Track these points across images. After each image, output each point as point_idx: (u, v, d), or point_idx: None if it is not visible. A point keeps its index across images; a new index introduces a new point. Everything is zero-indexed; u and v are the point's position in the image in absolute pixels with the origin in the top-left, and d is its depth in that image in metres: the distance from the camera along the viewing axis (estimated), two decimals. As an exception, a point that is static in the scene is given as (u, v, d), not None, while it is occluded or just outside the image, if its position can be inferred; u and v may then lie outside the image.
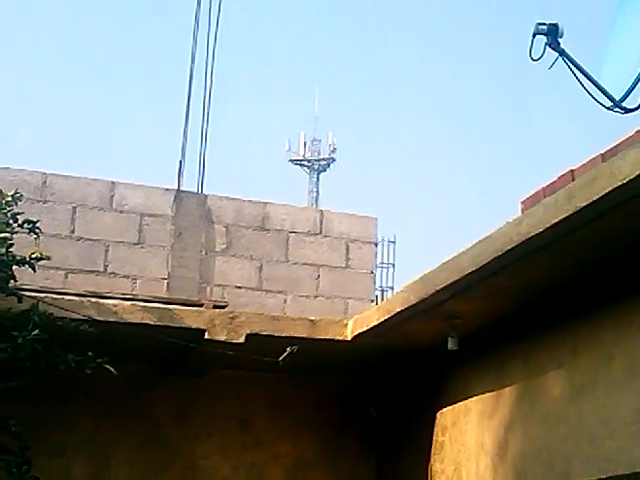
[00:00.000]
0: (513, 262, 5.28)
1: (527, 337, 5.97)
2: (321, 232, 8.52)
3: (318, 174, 40.94)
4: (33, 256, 6.14)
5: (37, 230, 6.22)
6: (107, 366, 6.04)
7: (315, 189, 40.45)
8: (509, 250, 5.17)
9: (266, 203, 8.47)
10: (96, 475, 7.21)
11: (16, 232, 6.09)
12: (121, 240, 7.89)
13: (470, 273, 5.50)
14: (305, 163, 41.25)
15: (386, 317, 6.45)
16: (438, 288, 5.81)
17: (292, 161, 41.48)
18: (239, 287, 8.19)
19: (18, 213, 6.14)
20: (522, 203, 6.38)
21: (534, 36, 5.78)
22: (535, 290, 5.65)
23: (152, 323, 6.60)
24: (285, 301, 8.30)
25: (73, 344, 6.04)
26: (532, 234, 4.95)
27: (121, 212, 7.94)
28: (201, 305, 7.42)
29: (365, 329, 6.73)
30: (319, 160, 41.09)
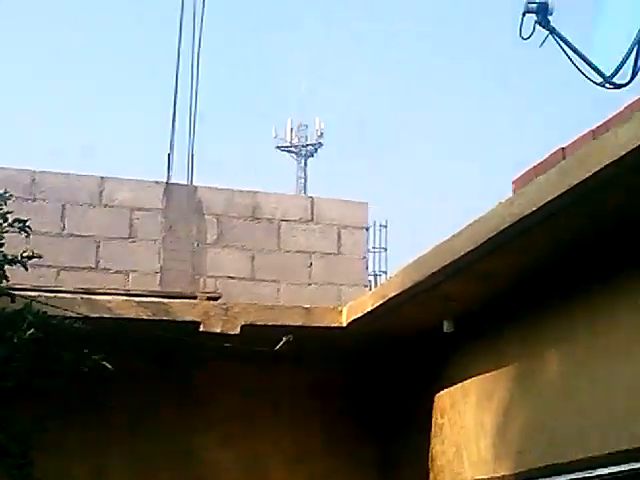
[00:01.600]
0: (507, 242, 5.26)
1: (523, 316, 5.97)
2: (312, 219, 8.50)
3: (306, 160, 40.85)
4: (24, 255, 6.11)
5: (27, 229, 6.18)
6: (104, 362, 6.02)
7: (303, 175, 40.37)
8: (502, 230, 5.16)
9: (256, 192, 8.45)
10: (96, 471, 7.20)
11: (6, 231, 6.05)
12: (112, 235, 7.86)
13: (464, 255, 5.49)
14: (292, 149, 41.15)
15: (381, 302, 6.44)
16: (433, 271, 5.80)
17: (279, 147, 41.37)
18: (232, 277, 8.18)
19: (7, 212, 6.10)
20: (513, 183, 6.37)
21: (524, 15, 5.76)
22: (530, 269, 5.64)
23: (147, 318, 6.59)
24: (278, 290, 8.29)
25: (69, 342, 6.02)
26: (525, 213, 4.94)
27: (111, 207, 7.91)
28: (195, 297, 7.42)
29: (360, 315, 6.72)
30: (306, 146, 40.98)
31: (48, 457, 6.75)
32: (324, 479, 7.72)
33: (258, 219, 8.35)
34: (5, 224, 6.08)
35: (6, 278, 6.11)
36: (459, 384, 6.71)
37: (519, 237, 5.18)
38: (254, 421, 7.67)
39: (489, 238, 5.27)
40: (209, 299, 7.38)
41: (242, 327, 6.76)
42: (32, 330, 5.78)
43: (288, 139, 41.03)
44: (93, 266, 7.73)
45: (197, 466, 7.46)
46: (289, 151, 41.15)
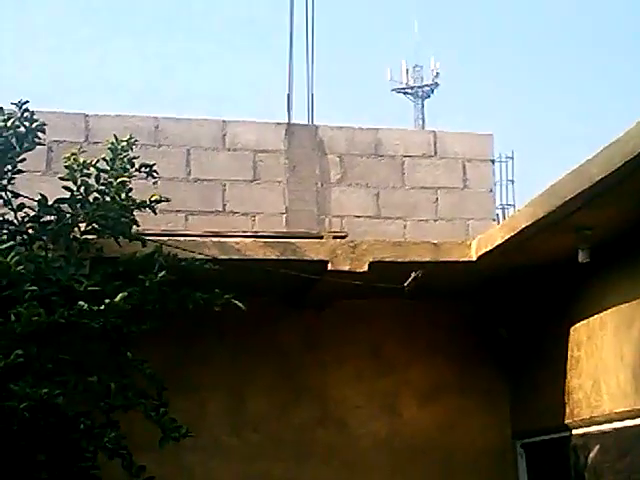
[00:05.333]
0: (645, 165, 5.02)
1: (663, 243, 5.73)
2: (435, 154, 8.35)
3: (422, 101, 40.36)
4: (153, 199, 6.17)
5: (154, 173, 6.24)
6: (235, 301, 6.05)
7: (421, 116, 39.93)
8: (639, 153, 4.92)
9: (378, 129, 8.34)
10: (232, 409, 7.32)
11: (134, 176, 6.11)
12: (236, 178, 7.89)
13: (599, 180, 5.27)
14: (408, 91, 40.69)
15: (511, 234, 6.26)
16: (566, 199, 5.59)
17: (395, 90, 40.98)
18: (357, 216, 8.12)
19: (134, 158, 6.16)
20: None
21: None
22: (669, 193, 5.39)
23: (275, 258, 6.58)
24: (405, 227, 8.19)
25: (199, 284, 6.08)
26: (665, 133, 4.70)
27: (234, 150, 7.92)
28: (321, 237, 7.38)
29: (490, 248, 6.56)
30: (422, 87, 40.47)
31: (185, 397, 6.92)
32: (456, 416, 7.66)
33: (381, 156, 8.25)
34: (132, 169, 6.14)
35: (136, 223, 6.18)
36: (596, 315, 6.51)
37: (658, 159, 4.94)
38: (385, 358, 7.65)
39: (626, 162, 5.03)
40: (335, 238, 7.33)
41: (370, 264, 6.69)
42: (163, 272, 5.84)
43: (404, 81, 40.62)
44: (220, 209, 7.78)
45: (329, 403, 7.50)
46: (405, 93, 40.73)
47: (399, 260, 6.74)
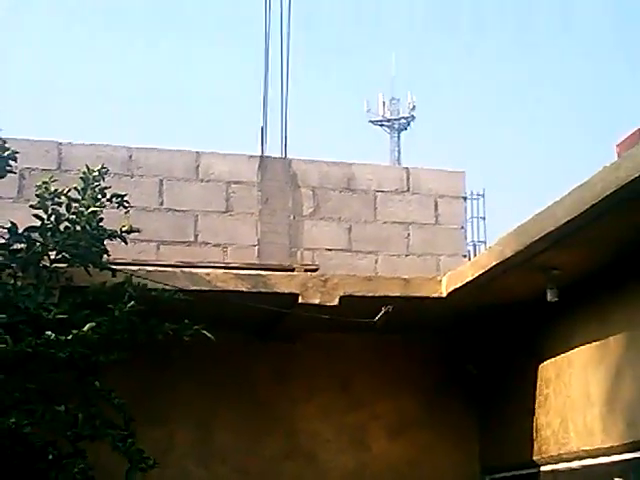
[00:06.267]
0: (612, 209, 5.09)
1: (629, 284, 5.78)
2: (408, 189, 8.39)
3: (399, 133, 40.66)
4: (124, 229, 6.17)
5: (126, 203, 6.24)
6: (204, 332, 6.05)
7: (397, 148, 40.19)
8: (607, 196, 4.98)
9: (351, 164, 8.37)
10: (200, 440, 7.29)
11: (104, 206, 6.11)
12: (209, 209, 7.88)
13: (567, 222, 5.33)
14: (385, 123, 40.99)
15: (481, 272, 6.32)
16: (534, 239, 5.65)
17: (372, 122, 41.26)
18: (329, 249, 8.13)
19: (105, 188, 6.16)
20: (617, 147, 6.17)
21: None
22: (636, 237, 5.45)
23: (246, 290, 6.60)
24: (376, 261, 8.21)
25: (168, 315, 6.07)
26: (632, 177, 4.76)
27: (207, 181, 7.93)
28: (292, 270, 7.40)
29: (460, 285, 6.61)
30: (399, 119, 40.79)
31: (153, 428, 6.88)
32: (425, 450, 7.66)
33: (354, 190, 8.28)
34: (104, 199, 6.15)
35: (107, 252, 6.18)
36: (564, 354, 6.55)
37: (625, 203, 5.00)
38: (354, 392, 7.65)
39: (593, 204, 5.09)
40: (307, 271, 7.36)
41: (341, 298, 6.72)
42: (132, 302, 5.83)
43: (380, 113, 40.90)
44: (192, 239, 7.77)
45: (298, 436, 7.48)
46: (382, 125, 41.01)
47: (370, 295, 6.78)
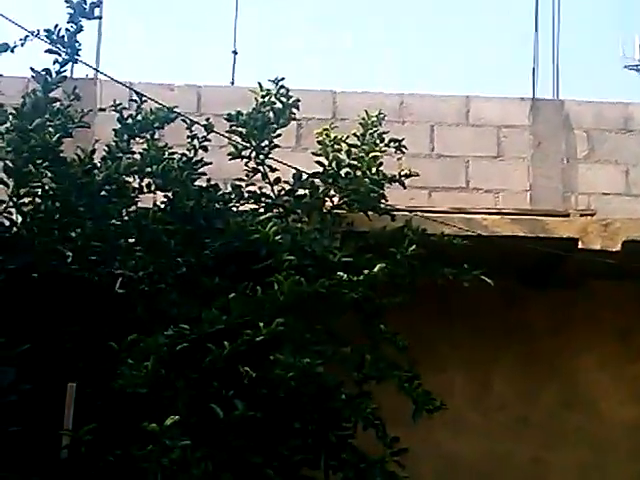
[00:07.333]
0: None
1: None
2: (692, 128, 7.88)
3: (657, 79, 38.73)
4: (402, 173, 6.17)
5: (403, 148, 6.25)
6: (484, 277, 5.95)
7: (655, 95, 38.24)
8: None
9: (628, 104, 7.96)
10: (477, 388, 7.23)
11: (384, 151, 6.13)
12: (480, 154, 7.74)
13: None
14: (641, 68, 39.16)
15: None
16: None
17: (627, 67, 39.54)
18: (605, 194, 7.79)
19: (384, 132, 6.18)
20: None
21: None
22: None
23: (523, 235, 6.44)
24: (656, 206, 7.79)
25: (446, 259, 6.02)
26: None
27: (478, 126, 7.78)
28: (567, 215, 7.15)
29: None
30: (656, 64, 38.84)
31: (431, 374, 6.87)
32: None
33: (631, 131, 7.88)
34: (382, 144, 6.17)
35: (385, 198, 6.20)
36: None
37: None
38: (635, 342, 7.32)
39: None
40: (582, 216, 7.09)
41: (623, 243, 6.43)
42: (414, 247, 5.82)
43: (637, 57, 39.08)
44: (463, 186, 7.66)
45: (576, 388, 7.27)
46: (638, 70, 39.19)
47: (655, 239, 6.43)
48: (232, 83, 8.27)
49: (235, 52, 8.50)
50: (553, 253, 6.53)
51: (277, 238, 5.33)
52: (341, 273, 5.30)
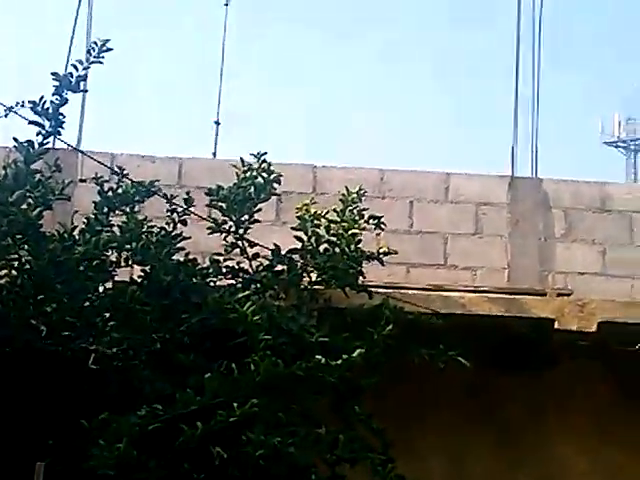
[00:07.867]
0: None
1: None
2: (669, 210, 7.96)
3: (635, 154, 39.31)
4: (381, 251, 6.18)
5: (382, 225, 6.27)
6: (459, 358, 5.94)
7: (633, 170, 38.79)
8: None
9: (604, 183, 8.05)
10: (453, 474, 7.15)
11: (363, 228, 6.15)
12: (459, 232, 7.78)
13: None
14: (620, 144, 39.75)
15: None
16: None
17: (606, 143, 40.07)
18: (582, 273, 7.83)
19: (363, 209, 6.21)
20: None
21: None
22: None
23: (499, 314, 6.46)
24: (632, 286, 7.83)
25: (422, 337, 6.01)
26: None
27: (457, 203, 7.83)
28: (544, 294, 7.18)
29: None
30: (635, 140, 39.45)
31: (406, 458, 6.79)
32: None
33: (608, 211, 7.96)
34: (361, 221, 6.19)
35: (362, 274, 6.21)
36: None
37: None
38: (609, 425, 7.27)
39: None
40: (559, 295, 7.12)
41: (599, 324, 6.45)
42: (391, 326, 5.81)
43: (616, 134, 39.68)
44: (441, 262, 7.68)
45: (552, 472, 7.19)
46: (617, 146, 39.78)
47: (630, 321, 6.47)
48: (214, 154, 8.33)
49: (217, 122, 8.59)
50: (530, 333, 6.55)
51: (255, 318, 5.30)
52: (319, 357, 5.27)
